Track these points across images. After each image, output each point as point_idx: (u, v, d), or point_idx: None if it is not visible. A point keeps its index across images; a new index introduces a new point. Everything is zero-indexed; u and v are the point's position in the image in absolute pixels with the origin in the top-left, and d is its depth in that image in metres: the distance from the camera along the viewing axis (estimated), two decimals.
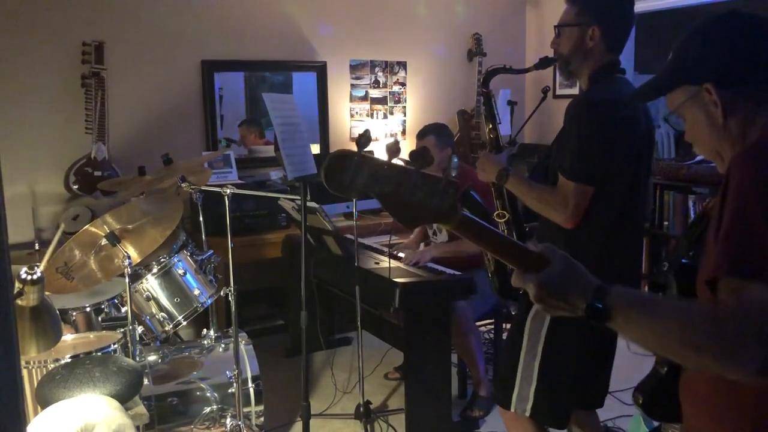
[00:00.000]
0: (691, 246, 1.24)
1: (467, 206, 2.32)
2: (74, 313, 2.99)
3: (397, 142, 1.40)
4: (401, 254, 3.61)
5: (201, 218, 3.30)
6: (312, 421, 2.68)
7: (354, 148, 5.09)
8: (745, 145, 1.18)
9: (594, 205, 2.09)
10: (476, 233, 1.14)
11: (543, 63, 2.30)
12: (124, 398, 2.17)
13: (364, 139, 1.16)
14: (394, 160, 1.14)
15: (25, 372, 2.36)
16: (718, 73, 1.19)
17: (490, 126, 2.42)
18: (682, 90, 1.24)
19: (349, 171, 1.06)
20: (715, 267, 1.04)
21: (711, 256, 1.06)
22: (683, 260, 1.25)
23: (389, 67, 5.26)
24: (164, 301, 2.98)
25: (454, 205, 1.07)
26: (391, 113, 5.34)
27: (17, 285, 1.58)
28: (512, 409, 2.23)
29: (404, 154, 5.24)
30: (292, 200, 3.39)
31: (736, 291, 0.99)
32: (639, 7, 4.76)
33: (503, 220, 2.32)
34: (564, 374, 2.18)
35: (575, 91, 5.05)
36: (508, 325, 4.17)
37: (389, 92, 5.30)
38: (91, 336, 2.78)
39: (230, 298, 2.91)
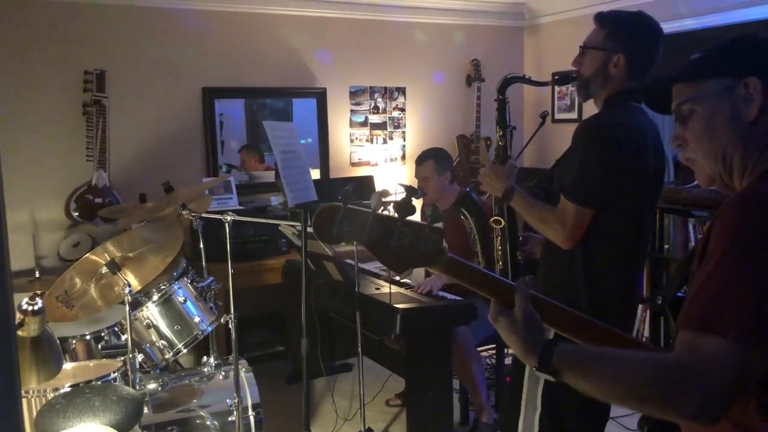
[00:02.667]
0: (683, 281, 1.24)
1: (465, 207, 2.34)
2: (74, 341, 2.97)
3: (383, 192, 1.39)
4: (406, 280, 3.60)
5: (201, 245, 3.30)
6: None
7: (353, 172, 5.12)
8: (751, 178, 1.16)
9: (593, 231, 2.10)
10: (462, 273, 1.21)
11: (562, 80, 2.29)
12: (124, 427, 2.16)
13: (348, 194, 1.21)
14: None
15: (24, 401, 2.34)
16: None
17: (500, 133, 2.41)
18: (715, 82, 1.19)
19: (336, 223, 1.15)
20: (681, 317, 1.06)
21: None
22: (679, 293, 1.25)
23: (388, 93, 5.30)
24: (164, 329, 2.97)
25: (441, 249, 1.15)
26: (391, 138, 5.36)
27: (18, 316, 1.58)
28: None
29: (404, 180, 5.27)
30: (293, 226, 3.39)
31: (692, 343, 1.01)
32: None
33: (499, 227, 2.32)
34: (567, 401, 2.16)
35: (574, 115, 5.08)
36: (510, 350, 4.16)
37: (389, 118, 5.33)
38: (91, 364, 2.76)
39: (230, 326, 2.90)
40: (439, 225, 1.17)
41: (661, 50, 2.19)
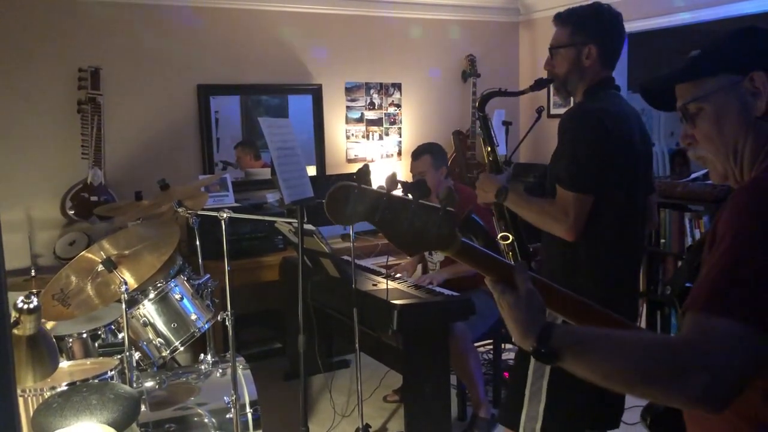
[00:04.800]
0: (692, 271, 1.24)
1: (470, 230, 2.33)
2: (70, 340, 2.97)
3: (394, 175, 1.43)
4: (400, 275, 3.60)
5: (198, 242, 3.29)
6: None
7: (349, 168, 5.11)
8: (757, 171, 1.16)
9: (593, 219, 2.09)
10: (475, 258, 1.19)
11: (538, 85, 2.31)
12: (121, 426, 2.15)
13: (363, 173, 1.19)
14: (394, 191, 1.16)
15: (21, 401, 2.34)
16: None
17: (489, 149, 2.42)
18: (718, 78, 1.19)
19: (350, 202, 1.13)
20: (689, 299, 1.05)
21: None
22: (687, 284, 1.24)
23: (384, 89, 5.29)
24: (161, 327, 2.97)
25: (453, 233, 1.13)
26: (387, 134, 5.36)
27: (14, 314, 1.57)
28: (521, 431, 2.20)
29: (401, 175, 5.26)
30: (289, 223, 3.39)
31: (700, 324, 1.00)
32: (633, 26, 4.81)
33: (507, 242, 2.31)
34: (574, 393, 2.13)
35: None
36: (508, 346, 4.17)
37: (385, 114, 5.32)
38: (88, 363, 2.75)
39: (227, 323, 2.89)
40: (453, 209, 1.15)
41: (625, 33, 2.23)
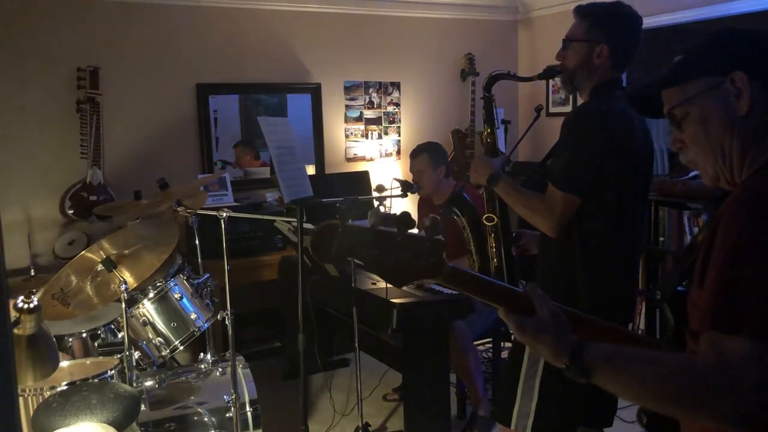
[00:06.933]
0: (683, 277, 1.24)
1: (457, 206, 2.33)
2: (70, 339, 2.97)
3: (378, 209, 1.43)
4: None
5: (197, 242, 3.29)
6: None
7: (348, 167, 5.11)
8: (750, 171, 1.16)
9: (587, 220, 2.10)
10: (465, 283, 1.20)
11: (547, 73, 2.30)
12: (121, 425, 2.15)
13: (344, 212, 1.19)
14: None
15: (21, 400, 2.34)
16: (751, 62, 1.17)
17: (488, 130, 2.42)
18: (701, 81, 1.20)
19: (334, 242, 1.13)
20: (699, 319, 1.05)
21: (696, 299, 1.08)
22: (678, 288, 1.25)
23: (383, 88, 5.29)
24: (161, 326, 2.97)
25: (441, 261, 1.14)
26: (386, 133, 5.36)
27: (14, 314, 1.58)
28: (513, 426, 2.21)
29: (400, 174, 5.26)
30: (288, 222, 3.39)
31: (717, 345, 1.01)
32: None
33: (492, 224, 2.32)
34: (566, 391, 2.14)
35: (569, 109, 5.08)
36: (507, 344, 4.17)
37: (384, 113, 5.33)
38: (88, 362, 2.76)
39: (227, 322, 2.90)
40: (440, 237, 1.15)
41: (642, 38, 2.21)
